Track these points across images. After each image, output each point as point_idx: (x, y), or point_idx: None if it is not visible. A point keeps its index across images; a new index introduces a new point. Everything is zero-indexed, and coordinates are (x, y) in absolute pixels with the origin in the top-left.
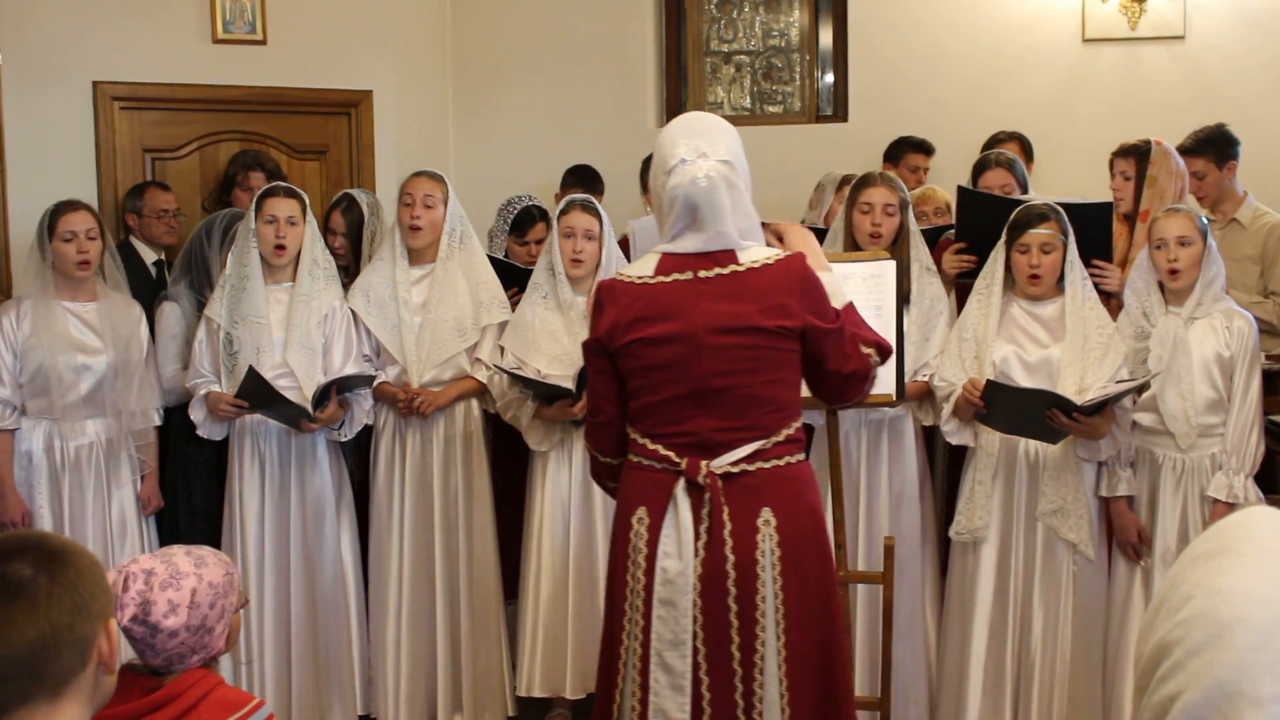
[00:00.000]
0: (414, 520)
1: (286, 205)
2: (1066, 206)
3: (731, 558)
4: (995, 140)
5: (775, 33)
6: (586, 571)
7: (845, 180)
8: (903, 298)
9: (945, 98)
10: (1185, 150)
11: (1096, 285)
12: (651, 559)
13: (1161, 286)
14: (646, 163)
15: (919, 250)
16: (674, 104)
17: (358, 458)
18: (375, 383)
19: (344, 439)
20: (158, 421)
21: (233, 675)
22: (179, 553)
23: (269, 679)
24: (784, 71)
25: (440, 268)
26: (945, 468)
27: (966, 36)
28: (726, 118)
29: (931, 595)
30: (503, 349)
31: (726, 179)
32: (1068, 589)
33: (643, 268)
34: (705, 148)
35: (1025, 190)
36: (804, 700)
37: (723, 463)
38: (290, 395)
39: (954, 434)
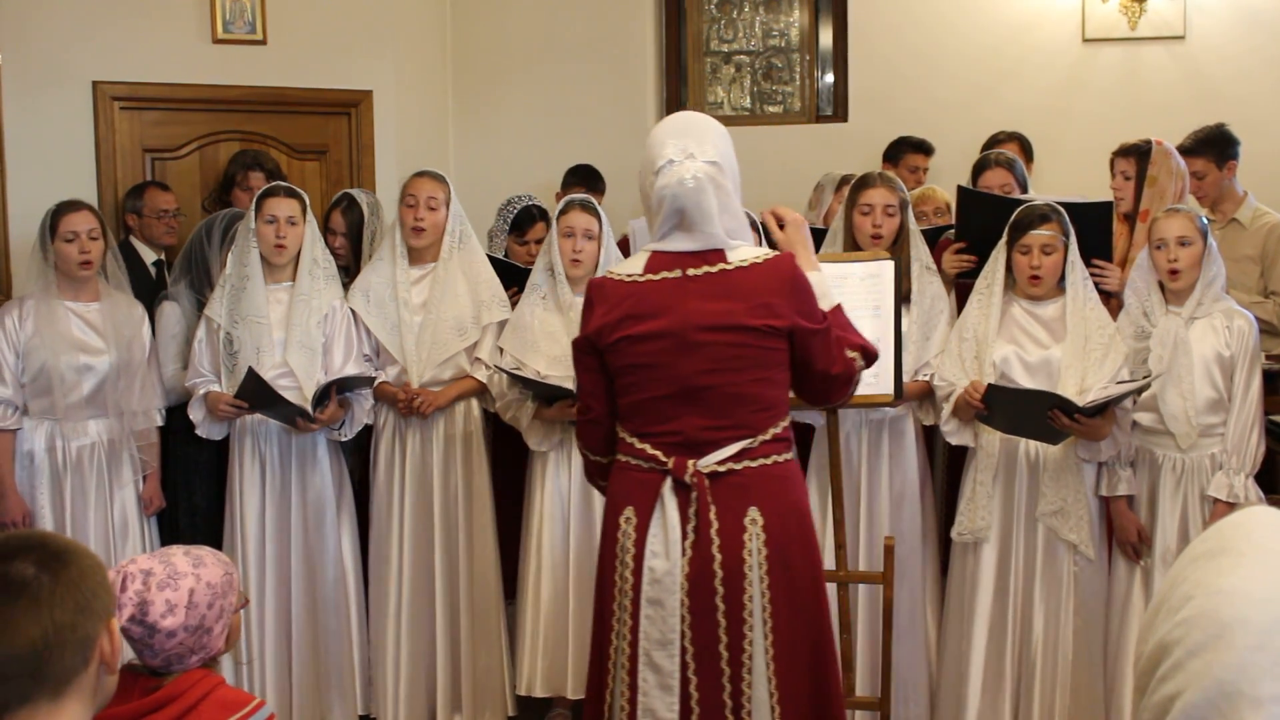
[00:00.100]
0: (414, 520)
1: (286, 205)
2: (1066, 206)
3: (718, 557)
4: (995, 140)
5: (775, 33)
6: (587, 571)
7: (844, 180)
8: (902, 297)
9: (945, 98)
10: (1185, 150)
11: (1096, 285)
12: (639, 559)
13: (1162, 286)
14: None
15: (919, 250)
16: (674, 104)
17: (358, 458)
18: (375, 383)
19: (344, 439)
20: (160, 422)
21: (233, 675)
22: (177, 553)
23: (269, 679)
24: (784, 71)
25: (441, 268)
26: (945, 468)
27: (966, 36)
28: (727, 118)
29: (932, 595)
30: (501, 349)
31: (714, 180)
32: (1069, 589)
33: (632, 266)
34: (693, 148)
35: (1025, 190)
36: (793, 699)
37: (709, 462)
38: (290, 395)
39: (954, 434)
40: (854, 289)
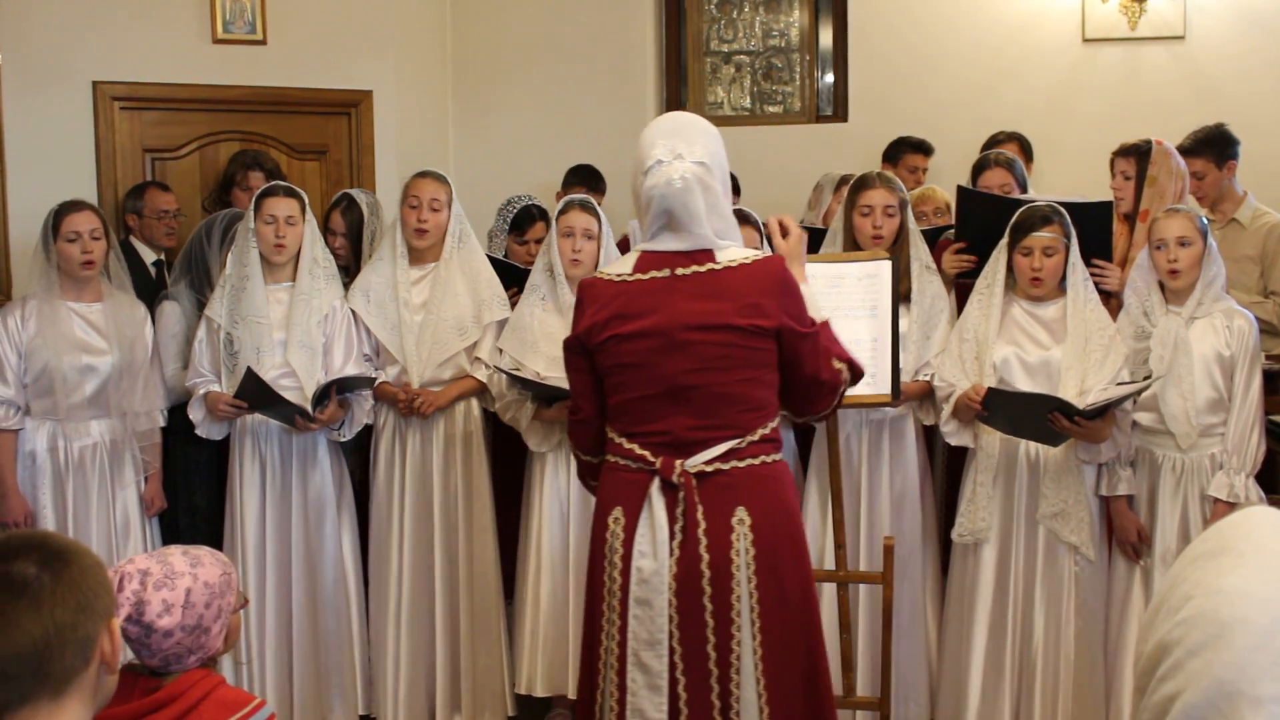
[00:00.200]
0: (414, 520)
1: (285, 204)
2: (1066, 206)
3: (706, 557)
4: (995, 140)
5: (775, 33)
6: (587, 571)
7: (844, 180)
8: (901, 297)
9: (945, 98)
10: (1185, 150)
11: (1096, 285)
12: (627, 559)
13: (1162, 286)
14: None
15: (919, 249)
16: (674, 104)
17: (358, 458)
18: (375, 383)
19: (343, 439)
20: (162, 423)
21: (233, 675)
22: (175, 553)
23: (270, 679)
24: (784, 71)
25: (442, 268)
26: (944, 468)
27: (966, 36)
28: (727, 118)
29: (932, 595)
30: (501, 349)
31: (702, 181)
32: (1070, 590)
33: (622, 266)
34: (682, 149)
35: (1025, 190)
36: (782, 700)
37: (697, 462)
38: (291, 395)
39: (954, 435)
40: (851, 289)
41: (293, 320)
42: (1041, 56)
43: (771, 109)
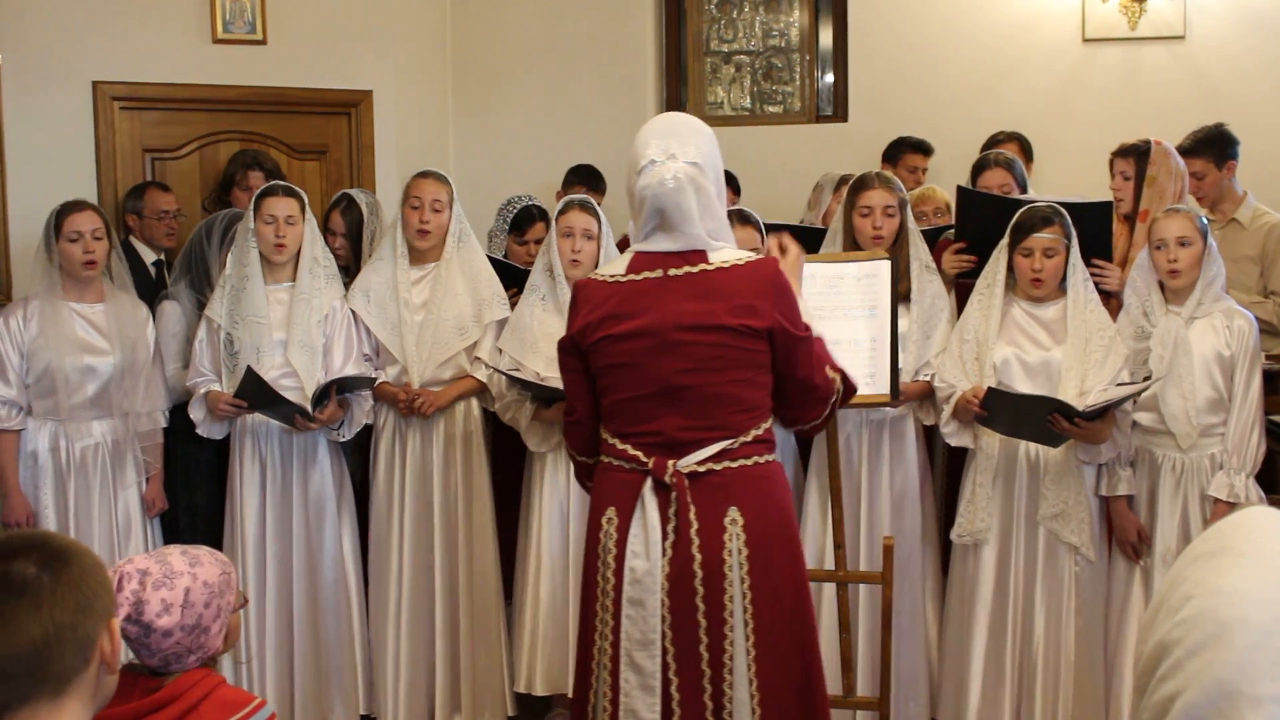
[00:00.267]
0: (414, 520)
1: (285, 204)
2: (1066, 206)
3: (698, 557)
4: (995, 140)
5: (775, 33)
6: (582, 571)
7: (844, 180)
8: (901, 297)
9: (945, 98)
10: (1185, 150)
11: (1096, 285)
12: (620, 559)
13: (1162, 286)
14: None
15: (918, 249)
16: (674, 104)
17: (358, 458)
18: (375, 383)
19: (343, 439)
20: (164, 423)
21: (232, 675)
22: (174, 552)
23: (270, 679)
24: (784, 71)
25: (443, 267)
26: (944, 469)
27: (966, 36)
28: (727, 118)
29: (932, 595)
30: (501, 350)
31: (694, 181)
32: (1070, 590)
33: (616, 267)
34: (675, 149)
35: (1024, 190)
36: (777, 700)
37: (689, 462)
38: (292, 395)
39: (954, 436)
40: (851, 289)
41: (293, 320)
42: (1041, 56)
43: (771, 109)
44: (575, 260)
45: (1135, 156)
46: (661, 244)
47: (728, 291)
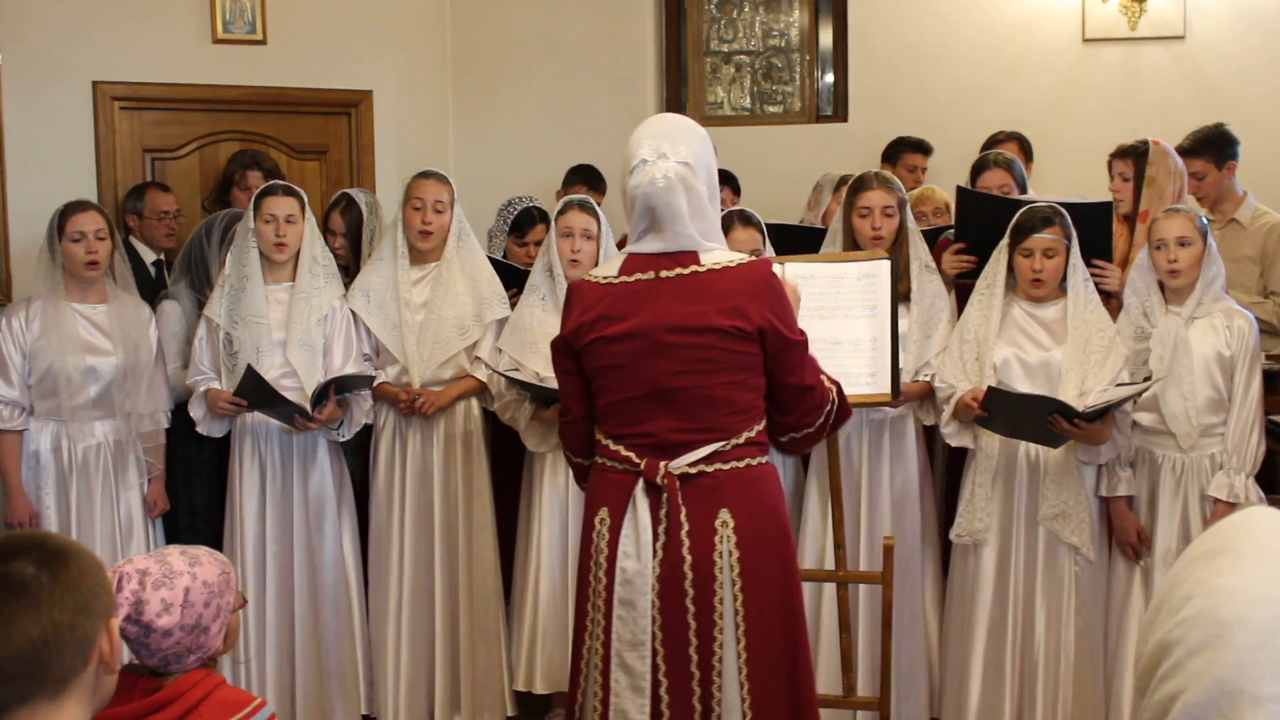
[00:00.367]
0: (414, 520)
1: (285, 203)
2: (1066, 206)
3: (689, 558)
4: (995, 140)
5: (775, 33)
6: (576, 571)
7: (843, 180)
8: (901, 297)
9: (945, 98)
10: (1184, 150)
11: (1096, 285)
12: (612, 559)
13: (1162, 286)
14: None
15: (918, 248)
16: (674, 104)
17: (358, 458)
18: (375, 383)
19: (342, 439)
20: (166, 424)
21: (232, 675)
22: (174, 552)
23: (271, 679)
24: (784, 71)
25: (444, 267)
26: (944, 468)
27: (966, 36)
28: (727, 118)
29: (933, 595)
30: (500, 350)
31: (685, 181)
32: (1070, 591)
33: (609, 268)
34: (666, 149)
35: (1024, 190)
36: (766, 702)
37: (681, 464)
38: (292, 394)
39: (954, 436)
40: (850, 289)
41: (292, 319)
42: (1041, 56)
43: (771, 109)
44: (575, 260)
45: (1133, 157)
46: (653, 245)
47: (719, 293)
